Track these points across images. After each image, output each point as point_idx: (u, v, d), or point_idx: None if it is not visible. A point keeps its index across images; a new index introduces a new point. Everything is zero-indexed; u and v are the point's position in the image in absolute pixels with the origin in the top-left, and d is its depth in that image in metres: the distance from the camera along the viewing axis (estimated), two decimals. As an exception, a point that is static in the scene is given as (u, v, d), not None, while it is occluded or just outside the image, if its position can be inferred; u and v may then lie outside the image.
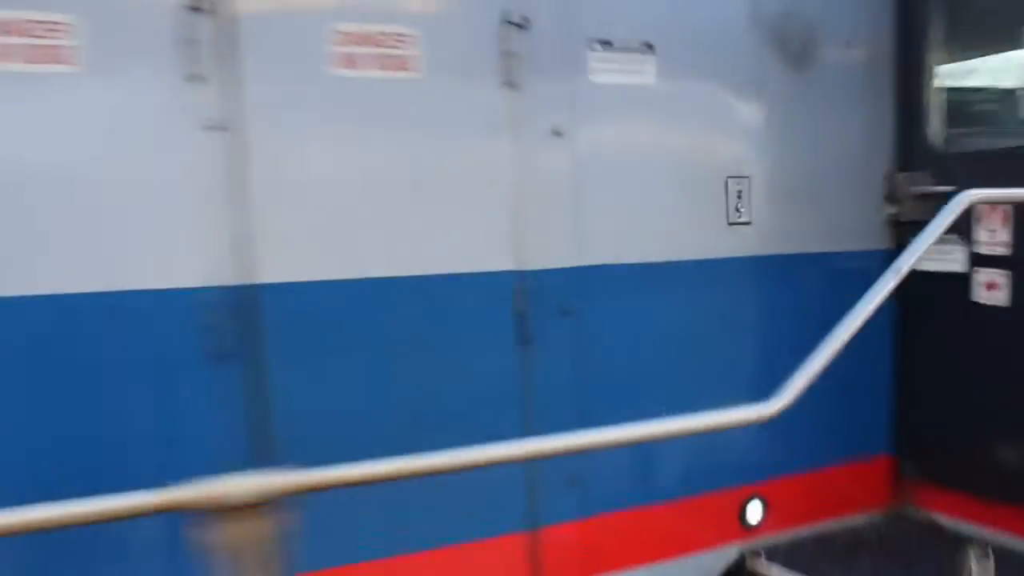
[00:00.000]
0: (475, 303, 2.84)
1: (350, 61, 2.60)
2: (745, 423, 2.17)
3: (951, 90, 3.52)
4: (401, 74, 2.67)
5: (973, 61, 3.87)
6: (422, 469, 1.67)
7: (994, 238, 3.13)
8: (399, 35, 2.65)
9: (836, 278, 3.39)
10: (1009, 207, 3.01)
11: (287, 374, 2.59)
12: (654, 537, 3.24)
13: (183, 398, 2.51)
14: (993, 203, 2.92)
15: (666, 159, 3.11)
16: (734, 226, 3.24)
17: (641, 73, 3.02)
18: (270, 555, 1.56)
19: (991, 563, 2.66)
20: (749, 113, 3.27)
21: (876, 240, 3.52)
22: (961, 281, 3.28)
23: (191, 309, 2.48)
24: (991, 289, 3.21)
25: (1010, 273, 3.16)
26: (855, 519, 3.62)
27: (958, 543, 3.15)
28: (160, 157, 2.43)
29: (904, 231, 3.41)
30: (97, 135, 2.39)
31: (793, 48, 3.33)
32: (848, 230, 3.48)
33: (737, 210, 3.24)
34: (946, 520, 3.53)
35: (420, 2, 2.74)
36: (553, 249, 2.92)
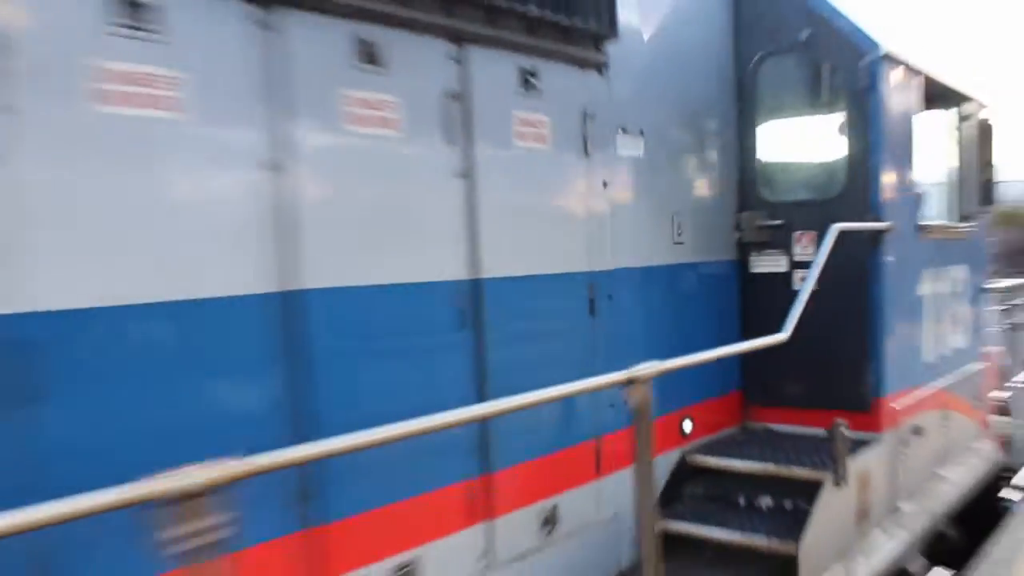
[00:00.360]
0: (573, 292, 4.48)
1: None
2: (775, 344, 4.19)
3: (769, 162, 5.89)
4: (535, 144, 4.24)
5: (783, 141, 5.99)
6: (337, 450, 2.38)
7: (804, 251, 5.51)
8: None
9: (712, 275, 5.58)
10: (815, 232, 5.40)
11: (495, 338, 4.00)
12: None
13: (442, 355, 3.82)
14: (851, 231, 5.13)
15: (646, 202, 5.00)
16: (676, 244, 5.24)
17: (638, 149, 4.90)
18: (221, 537, 1.91)
19: (843, 430, 4.81)
20: (680, 176, 5.33)
21: (730, 254, 5.77)
22: (784, 277, 5.63)
23: (449, 294, 3.81)
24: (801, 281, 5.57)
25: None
26: (729, 430, 5.78)
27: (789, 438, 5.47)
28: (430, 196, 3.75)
29: (745, 248, 5.74)
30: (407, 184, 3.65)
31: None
32: (718, 247, 5.68)
33: (677, 234, 5.24)
34: (774, 426, 5.84)
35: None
36: (603, 258, 4.65)
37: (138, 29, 2.68)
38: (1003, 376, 8.51)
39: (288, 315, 3.16)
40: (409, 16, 3.53)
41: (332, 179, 3.36)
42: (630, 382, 3.20)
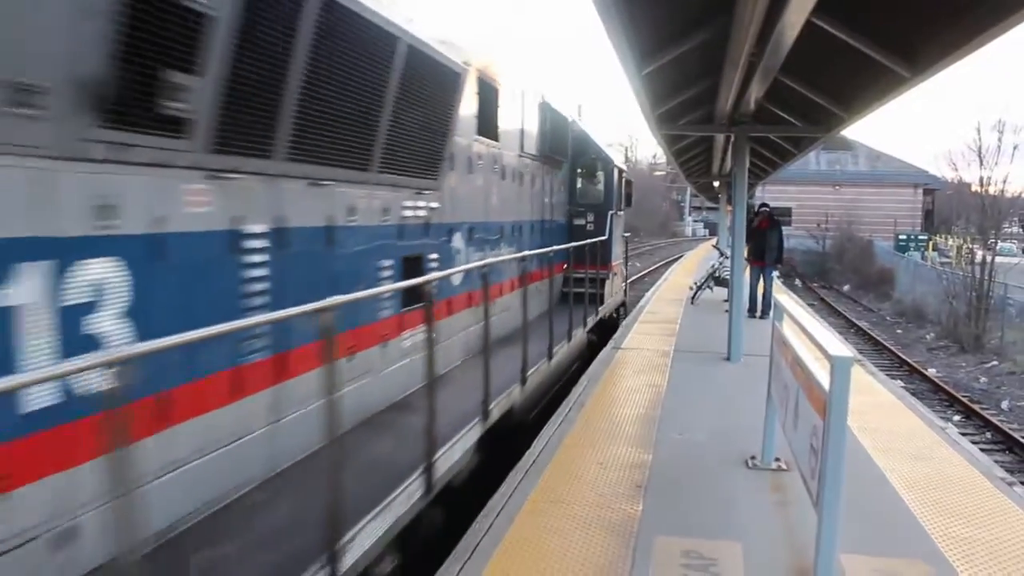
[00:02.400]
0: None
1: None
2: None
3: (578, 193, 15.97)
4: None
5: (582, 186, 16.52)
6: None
7: (588, 220, 12.36)
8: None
9: (560, 224, 14.81)
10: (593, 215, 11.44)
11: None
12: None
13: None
14: (607, 214, 10.81)
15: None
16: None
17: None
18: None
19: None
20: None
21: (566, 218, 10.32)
22: (582, 227, 14.97)
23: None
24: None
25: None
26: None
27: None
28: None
29: (570, 216, 15.85)
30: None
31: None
32: (562, 215, 13.70)
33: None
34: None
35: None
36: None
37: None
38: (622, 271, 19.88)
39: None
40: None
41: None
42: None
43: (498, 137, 10.55)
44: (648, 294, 21.87)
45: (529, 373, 8.31)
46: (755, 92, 8.97)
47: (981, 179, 27.79)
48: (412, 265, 7.49)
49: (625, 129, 75.73)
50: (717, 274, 19.11)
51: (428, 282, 5.63)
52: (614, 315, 17.38)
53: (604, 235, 15.14)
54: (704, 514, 5.82)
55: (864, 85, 8.66)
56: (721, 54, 7.74)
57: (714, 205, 46.91)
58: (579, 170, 15.84)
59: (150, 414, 4.14)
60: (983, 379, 19.08)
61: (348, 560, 4.09)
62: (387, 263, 7.15)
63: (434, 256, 8.28)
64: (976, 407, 15.77)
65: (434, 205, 8.28)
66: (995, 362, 20.55)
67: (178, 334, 3.18)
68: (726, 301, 14.31)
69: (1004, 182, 28.10)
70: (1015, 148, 28.00)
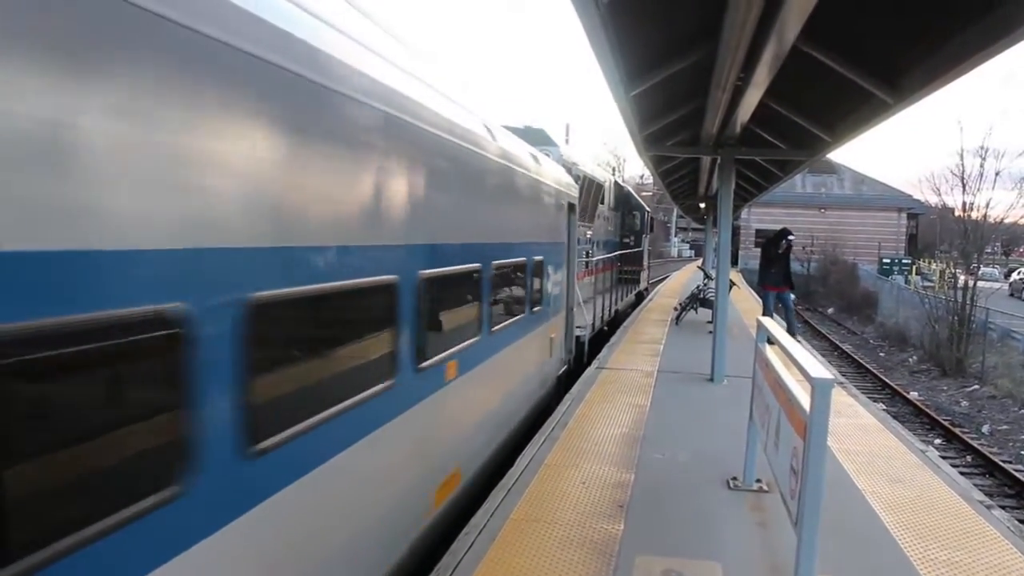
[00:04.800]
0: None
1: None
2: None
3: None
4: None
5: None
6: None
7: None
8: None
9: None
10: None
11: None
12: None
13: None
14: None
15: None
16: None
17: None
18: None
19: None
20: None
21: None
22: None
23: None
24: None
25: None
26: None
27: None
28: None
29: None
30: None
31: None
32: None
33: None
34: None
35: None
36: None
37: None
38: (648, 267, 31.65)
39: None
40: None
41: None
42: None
43: (603, 201, 20.14)
44: (633, 314, 21.93)
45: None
46: (741, 115, 9.06)
47: (964, 204, 28.03)
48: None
49: (611, 148, 76.13)
50: (702, 295, 19.25)
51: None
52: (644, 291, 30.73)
53: (640, 248, 27.22)
54: (685, 534, 5.83)
55: (849, 110, 8.77)
56: (708, 77, 7.81)
57: (700, 226, 47.37)
58: (625, 212, 25.58)
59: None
60: (964, 403, 19.20)
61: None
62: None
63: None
64: (957, 431, 15.85)
65: (588, 234, 17.05)
66: (976, 386, 20.68)
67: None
68: (710, 322, 14.38)
69: (987, 207, 28.33)
70: (997, 174, 28.27)
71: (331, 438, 4.07)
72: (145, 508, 2.63)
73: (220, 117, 3.11)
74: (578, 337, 13.95)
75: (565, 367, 12.65)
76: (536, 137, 13.91)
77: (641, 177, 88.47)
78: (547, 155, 12.02)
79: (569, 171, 13.65)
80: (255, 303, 3.28)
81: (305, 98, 3.73)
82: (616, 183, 24.26)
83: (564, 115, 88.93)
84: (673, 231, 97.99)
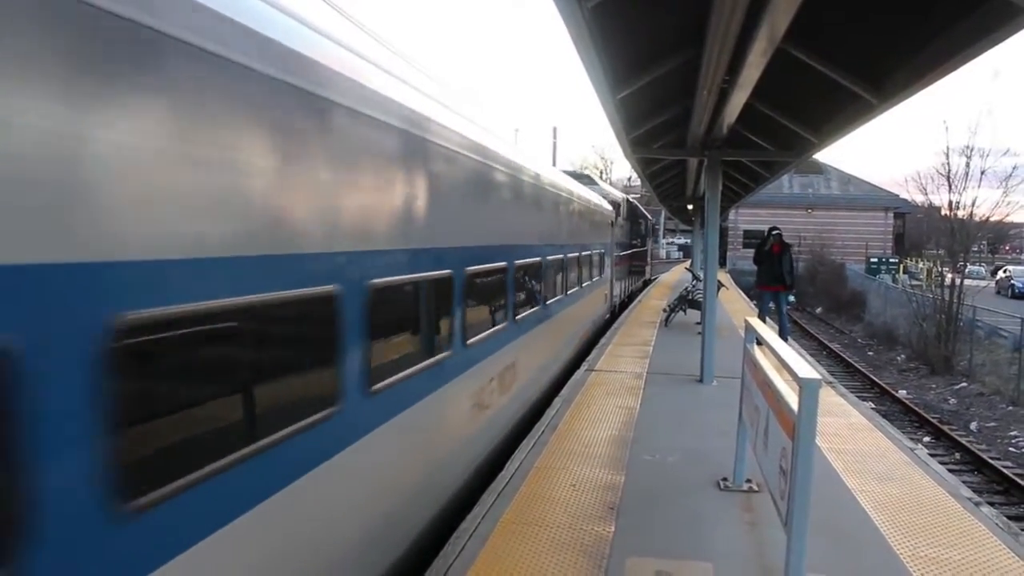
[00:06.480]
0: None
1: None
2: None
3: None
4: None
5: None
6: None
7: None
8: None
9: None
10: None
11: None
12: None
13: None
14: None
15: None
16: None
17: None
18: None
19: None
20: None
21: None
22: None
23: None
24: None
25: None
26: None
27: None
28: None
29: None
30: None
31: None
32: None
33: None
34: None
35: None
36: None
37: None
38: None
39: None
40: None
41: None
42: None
43: (619, 214, 23.88)
44: (622, 316, 21.97)
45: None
46: (728, 117, 9.10)
47: (950, 203, 28.15)
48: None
49: (599, 150, 76.36)
50: (691, 296, 19.29)
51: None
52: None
53: (646, 248, 35.70)
54: (676, 535, 5.84)
55: (834, 111, 8.82)
56: (694, 79, 7.85)
57: (688, 228, 47.61)
58: (633, 221, 30.65)
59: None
60: (952, 400, 19.31)
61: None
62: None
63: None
64: (945, 428, 15.94)
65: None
66: (964, 383, 20.80)
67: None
68: (699, 324, 14.41)
69: (973, 205, 28.47)
70: (983, 173, 28.39)
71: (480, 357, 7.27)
72: (326, 415, 4.06)
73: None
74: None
75: (608, 314, 21.13)
76: (584, 178, 23.91)
77: (629, 180, 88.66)
78: (592, 189, 20.18)
79: (605, 198, 21.66)
80: (375, 288, 4.62)
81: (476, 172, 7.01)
82: (628, 200, 30.82)
83: (551, 118, 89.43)
84: (661, 233, 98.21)
